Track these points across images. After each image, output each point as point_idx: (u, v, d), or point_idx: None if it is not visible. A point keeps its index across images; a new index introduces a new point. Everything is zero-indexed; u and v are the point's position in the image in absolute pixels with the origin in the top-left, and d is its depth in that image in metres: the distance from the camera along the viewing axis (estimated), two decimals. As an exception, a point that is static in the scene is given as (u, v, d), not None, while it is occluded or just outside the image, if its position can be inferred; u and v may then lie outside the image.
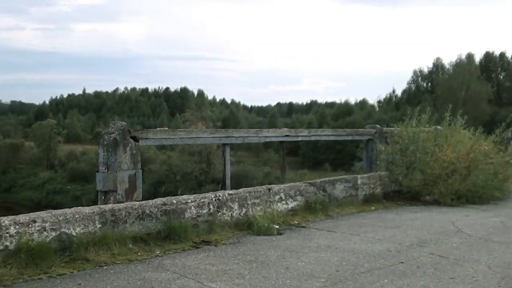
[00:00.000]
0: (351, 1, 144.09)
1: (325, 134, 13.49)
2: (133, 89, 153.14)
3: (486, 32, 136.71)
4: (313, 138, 13.02)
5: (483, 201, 12.15)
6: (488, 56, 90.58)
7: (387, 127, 14.12)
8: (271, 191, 9.37)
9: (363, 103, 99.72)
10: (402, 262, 6.87)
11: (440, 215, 10.54)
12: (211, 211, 8.27)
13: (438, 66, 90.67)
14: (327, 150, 70.07)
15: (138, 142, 8.93)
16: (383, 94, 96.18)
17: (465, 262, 6.96)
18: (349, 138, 14.09)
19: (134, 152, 8.79)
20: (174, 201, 7.82)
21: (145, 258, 6.84)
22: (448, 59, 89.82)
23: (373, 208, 11.12)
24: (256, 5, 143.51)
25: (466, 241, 8.30)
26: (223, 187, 10.29)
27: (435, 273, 6.41)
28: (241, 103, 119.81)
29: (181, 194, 8.47)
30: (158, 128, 10.08)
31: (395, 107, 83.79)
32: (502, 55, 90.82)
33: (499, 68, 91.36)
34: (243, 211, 8.76)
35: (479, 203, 12.01)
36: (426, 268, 6.64)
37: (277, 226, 8.66)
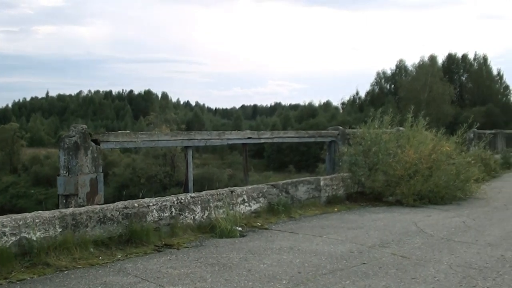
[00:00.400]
0: (314, 4, 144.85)
1: (288, 136, 13.51)
2: (97, 92, 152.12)
3: (449, 34, 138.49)
4: (275, 140, 13.03)
5: (445, 202, 12.29)
6: (450, 58, 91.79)
7: (350, 128, 14.19)
8: (233, 193, 9.34)
9: (327, 105, 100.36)
10: (364, 263, 6.88)
11: (402, 216, 10.62)
12: (173, 214, 8.21)
13: (401, 68, 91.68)
14: (291, 152, 70.30)
15: (99, 145, 8.84)
16: (347, 96, 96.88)
17: (426, 262, 7.00)
18: (312, 140, 14.13)
19: (95, 155, 8.70)
20: (136, 205, 7.74)
21: (107, 262, 6.75)
22: (411, 61, 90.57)
23: (336, 209, 11.17)
24: (220, 7, 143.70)
25: (428, 241, 8.36)
26: (186, 190, 10.22)
27: (397, 274, 6.43)
28: (206, 105, 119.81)
29: (144, 197, 8.41)
30: (120, 131, 10.00)
31: (359, 109, 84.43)
32: (465, 56, 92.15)
33: (462, 70, 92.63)
34: (206, 214, 8.72)
35: (441, 203, 12.14)
36: (388, 268, 6.66)
37: (239, 229, 8.64)
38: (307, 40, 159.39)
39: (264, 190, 10.04)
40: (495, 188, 15.63)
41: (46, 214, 6.78)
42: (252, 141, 12.00)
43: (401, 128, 13.87)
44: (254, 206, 9.72)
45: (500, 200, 13.23)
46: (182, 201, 8.41)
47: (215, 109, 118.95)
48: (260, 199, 9.89)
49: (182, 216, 8.35)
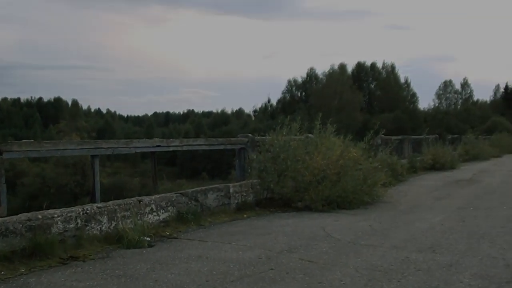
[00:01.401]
0: (226, 13, 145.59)
1: (197, 144, 13.45)
2: (4, 100, 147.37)
3: (358, 43, 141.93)
4: (185, 148, 12.94)
5: (353, 206, 12.50)
6: (359, 66, 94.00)
7: (262, 136, 14.26)
8: (141, 202, 9.21)
9: (239, 113, 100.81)
10: (272, 269, 6.91)
11: (310, 221, 10.74)
12: (79, 225, 8.02)
13: (311, 76, 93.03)
14: (204, 159, 70.16)
15: (1, 155, 8.55)
16: (259, 104, 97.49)
17: (333, 266, 7.10)
18: (222, 147, 14.14)
19: (-3, 165, 8.41)
20: (40, 216, 7.52)
21: (9, 277, 6.52)
22: (322, 70, 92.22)
23: (245, 215, 11.19)
24: (132, 14, 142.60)
25: (335, 245, 8.47)
26: (93, 200, 10.02)
27: (304, 278, 6.49)
28: (117, 112, 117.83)
29: (50, 208, 8.18)
30: (23, 140, 9.70)
31: (271, 116, 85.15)
32: (373, 65, 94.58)
33: (371, 78, 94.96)
34: (113, 225, 8.55)
35: (349, 208, 12.35)
36: (295, 273, 6.71)
37: (148, 239, 8.52)
38: (219, 48, 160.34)
39: (173, 199, 9.95)
40: (402, 192, 16.05)
41: None
42: (161, 149, 11.88)
43: (310, 135, 14.03)
44: (163, 215, 9.61)
45: (406, 204, 13.58)
46: (88, 211, 8.22)
47: (127, 116, 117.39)
48: (169, 208, 9.79)
49: (88, 227, 8.17)
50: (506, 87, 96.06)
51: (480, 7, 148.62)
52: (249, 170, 13.27)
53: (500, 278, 6.62)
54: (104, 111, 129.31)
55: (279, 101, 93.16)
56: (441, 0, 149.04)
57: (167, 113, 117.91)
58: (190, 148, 13.21)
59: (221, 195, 11.20)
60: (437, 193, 16.14)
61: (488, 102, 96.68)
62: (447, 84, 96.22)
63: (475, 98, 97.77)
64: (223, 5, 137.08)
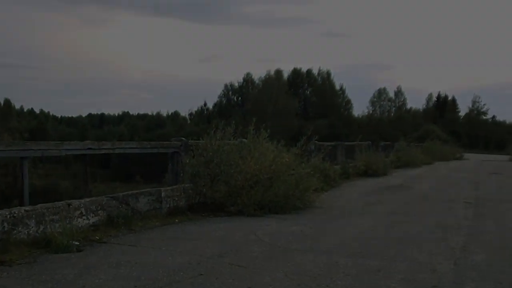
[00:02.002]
0: (163, 14, 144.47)
1: (130, 147, 13.31)
2: None
3: (295, 50, 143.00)
4: (117, 151, 12.78)
5: (285, 211, 12.57)
6: (295, 73, 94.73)
7: (197, 139, 14.20)
8: (71, 206, 9.05)
9: (175, 116, 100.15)
10: (201, 274, 6.88)
11: (242, 226, 10.75)
12: (6, 229, 7.82)
13: (248, 81, 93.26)
14: (139, 162, 69.35)
15: None
16: (194, 107, 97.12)
17: (263, 271, 7.12)
18: (155, 151, 14.02)
19: None
20: (-37, 219, 7.32)
21: None
22: (258, 75, 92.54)
23: (177, 220, 11.11)
24: (70, 14, 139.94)
25: (266, 250, 8.50)
26: (21, 203, 9.79)
27: (233, 283, 6.49)
28: (51, 113, 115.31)
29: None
30: None
31: (207, 120, 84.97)
32: (309, 71, 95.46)
33: (306, 84, 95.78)
34: (41, 228, 8.37)
35: (281, 212, 12.41)
36: (224, 278, 6.70)
37: (77, 243, 8.36)
38: (156, 50, 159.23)
39: (104, 203, 9.81)
40: (334, 197, 16.24)
41: None
42: (92, 152, 11.70)
43: (244, 140, 14.06)
44: (93, 219, 9.46)
45: (337, 209, 13.75)
46: (15, 215, 8.02)
47: (61, 117, 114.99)
48: (99, 211, 9.64)
49: (15, 231, 7.96)
50: (439, 96, 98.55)
51: (416, 17, 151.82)
52: (182, 174, 13.20)
53: (426, 283, 6.77)
54: (38, 112, 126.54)
55: (215, 105, 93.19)
56: (378, 10, 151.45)
57: (102, 114, 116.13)
58: (122, 151, 13.06)
59: (153, 199, 11.10)
60: (368, 199, 16.39)
61: (421, 110, 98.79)
62: (381, 92, 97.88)
63: (408, 106, 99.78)
64: (161, 6, 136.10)
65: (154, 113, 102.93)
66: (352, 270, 7.32)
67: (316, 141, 21.93)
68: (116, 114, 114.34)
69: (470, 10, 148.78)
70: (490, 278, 7.12)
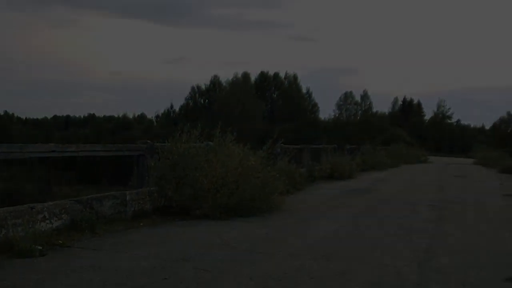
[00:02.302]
0: (130, 16, 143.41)
1: (95, 150, 13.17)
2: None
3: (263, 53, 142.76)
4: (81, 154, 12.61)
5: (251, 214, 12.52)
6: (263, 76, 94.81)
7: (163, 142, 14.11)
8: (34, 210, 8.92)
9: (141, 118, 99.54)
10: (165, 279, 6.84)
11: (207, 229, 10.71)
12: (-34, 233, 7.71)
13: (215, 83, 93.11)
14: (105, 165, 68.78)
15: None
16: (161, 109, 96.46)
17: (228, 275, 7.12)
18: (120, 153, 13.90)
19: None
20: None
21: None
22: (226, 78, 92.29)
23: (142, 224, 11.00)
24: (35, 15, 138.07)
25: (231, 253, 8.50)
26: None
27: (198, 288, 6.49)
28: (15, 115, 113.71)
29: None
30: None
31: (174, 123, 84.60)
32: (276, 75, 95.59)
33: (273, 88, 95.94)
34: (3, 233, 8.22)
35: (246, 216, 12.36)
36: (189, 283, 6.68)
37: (40, 247, 8.23)
38: (123, 52, 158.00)
39: (67, 206, 9.69)
40: (299, 200, 16.26)
41: None
42: (56, 155, 11.55)
43: (210, 143, 14.01)
44: (56, 223, 9.34)
45: (303, 212, 13.79)
46: (-24, 219, 7.91)
47: (26, 119, 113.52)
48: (63, 215, 9.52)
49: (-24, 235, 7.85)
50: (404, 100, 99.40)
51: (382, 22, 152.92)
52: (147, 178, 13.11)
53: (390, 286, 6.83)
54: (2, 113, 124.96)
55: (182, 107, 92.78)
56: (345, 14, 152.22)
57: (68, 116, 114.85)
58: (87, 154, 12.91)
59: (117, 203, 11.00)
60: (334, 201, 16.47)
61: (387, 114, 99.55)
62: (348, 96, 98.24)
63: (374, 110, 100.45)
64: (128, 8, 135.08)
65: (121, 115, 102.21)
66: (317, 273, 7.35)
67: (282, 144, 21.92)
68: (82, 116, 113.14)
69: (434, 16, 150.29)
70: (453, 280, 7.21)
